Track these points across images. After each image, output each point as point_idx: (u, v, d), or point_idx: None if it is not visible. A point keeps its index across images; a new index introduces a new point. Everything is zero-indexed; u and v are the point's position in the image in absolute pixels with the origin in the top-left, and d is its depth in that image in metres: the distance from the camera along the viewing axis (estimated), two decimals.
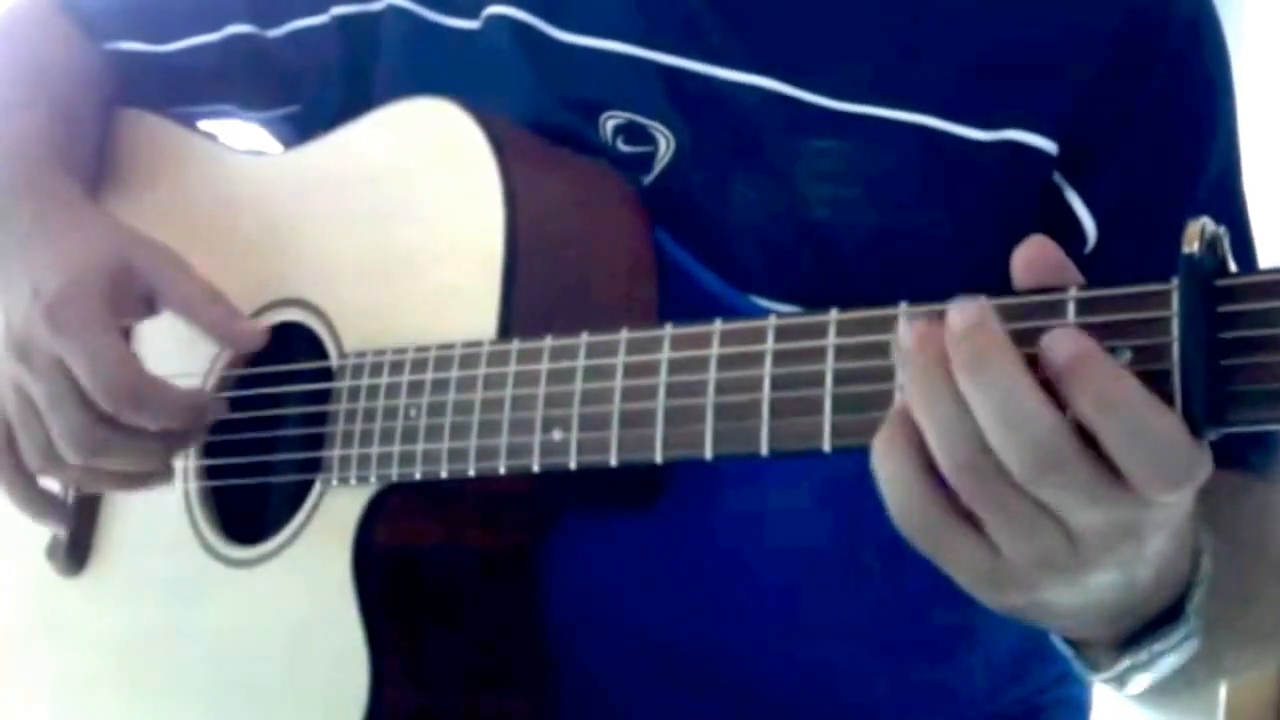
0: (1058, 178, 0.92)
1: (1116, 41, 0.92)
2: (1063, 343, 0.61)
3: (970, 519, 0.64)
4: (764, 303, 0.91)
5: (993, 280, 0.90)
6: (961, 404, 0.62)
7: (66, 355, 0.90)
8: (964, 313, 0.63)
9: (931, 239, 0.91)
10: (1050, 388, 0.61)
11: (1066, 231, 0.92)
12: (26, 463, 0.96)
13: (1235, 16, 0.96)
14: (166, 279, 0.96)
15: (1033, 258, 0.65)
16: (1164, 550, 0.67)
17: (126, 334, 0.99)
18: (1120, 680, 0.73)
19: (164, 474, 0.96)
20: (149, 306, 0.96)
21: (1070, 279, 0.64)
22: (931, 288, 0.90)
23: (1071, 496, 0.62)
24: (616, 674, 0.92)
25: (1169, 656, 0.71)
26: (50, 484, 1.01)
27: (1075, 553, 0.63)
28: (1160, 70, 0.93)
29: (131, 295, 0.95)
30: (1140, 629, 0.71)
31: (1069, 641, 0.74)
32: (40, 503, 1.01)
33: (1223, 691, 1.50)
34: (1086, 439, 0.61)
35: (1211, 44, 0.96)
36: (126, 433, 0.91)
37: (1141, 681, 0.73)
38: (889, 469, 0.64)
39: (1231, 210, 0.95)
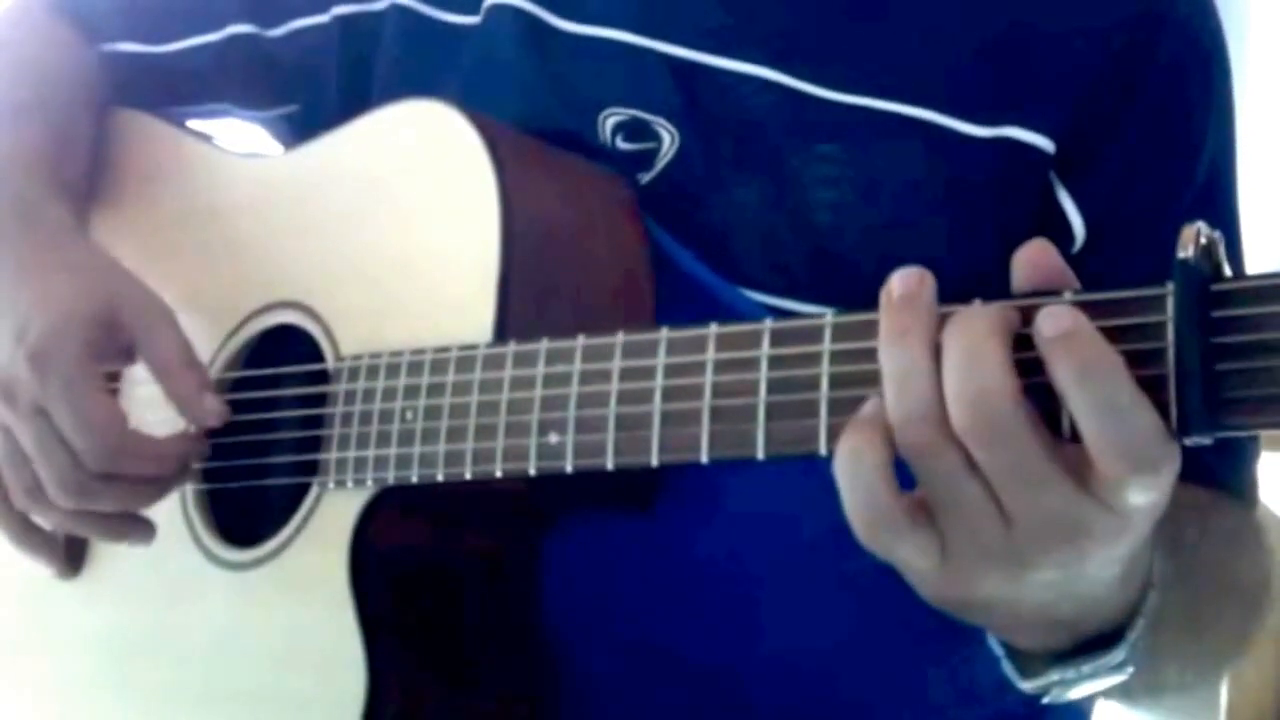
0: (1052, 176, 0.92)
1: (1117, 41, 0.92)
2: (1058, 316, 0.61)
3: (921, 516, 0.65)
4: (762, 298, 0.91)
5: (989, 277, 0.90)
6: (928, 354, 0.63)
7: (49, 407, 0.90)
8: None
9: (929, 234, 0.92)
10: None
11: (1055, 231, 0.92)
12: (14, 502, 0.96)
13: (1238, 17, 0.96)
14: (149, 335, 0.94)
15: (1033, 261, 0.65)
16: (1108, 576, 0.67)
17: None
18: (1044, 691, 0.73)
19: (144, 530, 0.96)
20: (129, 356, 0.95)
21: (1068, 283, 0.64)
22: None
23: (1011, 469, 0.62)
24: (616, 675, 0.92)
25: (1095, 680, 0.71)
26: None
27: (1011, 540, 0.64)
28: (1159, 71, 0.93)
29: (114, 343, 0.94)
30: (1073, 647, 0.71)
31: (1004, 644, 0.74)
32: (34, 539, 1.00)
33: (1223, 692, 1.50)
34: (1049, 426, 0.62)
35: (1211, 46, 0.96)
36: (114, 479, 0.91)
37: (1064, 697, 0.73)
38: (855, 474, 0.65)
39: (1219, 214, 0.95)
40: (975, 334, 0.62)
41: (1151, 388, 0.60)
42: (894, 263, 0.90)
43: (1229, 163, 0.97)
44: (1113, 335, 0.60)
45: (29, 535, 1.00)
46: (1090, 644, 0.71)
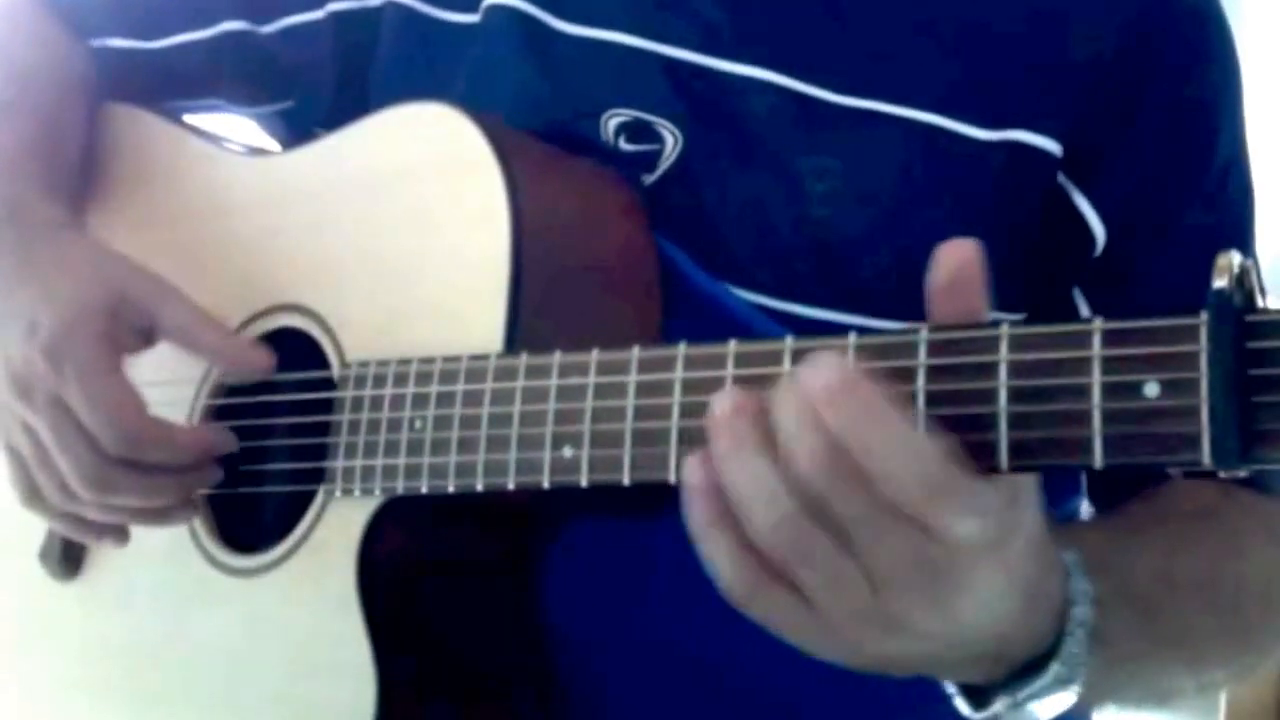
0: (1063, 180, 0.92)
1: (1122, 41, 0.92)
2: (819, 369, 0.63)
3: (787, 581, 0.66)
4: (764, 301, 0.91)
5: (994, 281, 0.90)
6: (768, 455, 0.64)
7: (68, 399, 0.90)
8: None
9: (932, 238, 0.91)
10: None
11: (1074, 235, 0.93)
12: (49, 501, 0.95)
13: (1235, 16, 0.96)
14: (163, 308, 0.94)
15: (953, 259, 0.67)
16: (1004, 610, 0.67)
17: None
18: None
19: (183, 510, 0.95)
20: (146, 338, 0.95)
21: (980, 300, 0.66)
22: None
23: (859, 518, 0.63)
24: (624, 682, 0.92)
25: (1041, 699, 0.72)
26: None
27: (881, 599, 0.65)
28: (1167, 69, 0.93)
29: (129, 328, 0.94)
30: (1009, 674, 0.72)
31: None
32: (89, 529, 0.99)
33: (1222, 692, 1.51)
34: None
35: (1218, 41, 0.96)
36: (137, 469, 0.90)
37: None
38: (710, 545, 0.67)
39: (1236, 205, 0.96)
40: (803, 390, 0.64)
41: (1184, 418, 0.59)
42: (897, 266, 0.91)
43: (1242, 151, 0.97)
44: (1145, 364, 0.60)
45: (82, 527, 0.98)
46: (1025, 668, 0.72)
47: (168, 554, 0.98)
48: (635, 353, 0.76)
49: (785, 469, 0.64)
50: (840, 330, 0.70)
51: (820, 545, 0.64)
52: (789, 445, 0.64)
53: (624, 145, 0.95)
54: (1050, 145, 0.91)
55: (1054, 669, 0.71)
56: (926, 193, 0.92)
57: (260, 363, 0.94)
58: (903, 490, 0.62)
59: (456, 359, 0.84)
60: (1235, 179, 0.96)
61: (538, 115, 0.96)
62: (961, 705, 0.75)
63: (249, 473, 0.96)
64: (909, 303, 0.90)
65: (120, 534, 0.99)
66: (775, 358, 0.70)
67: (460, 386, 0.83)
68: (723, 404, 0.66)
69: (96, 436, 0.89)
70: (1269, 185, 1.01)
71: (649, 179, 0.94)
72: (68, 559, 1.04)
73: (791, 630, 0.68)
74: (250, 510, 0.97)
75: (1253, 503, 0.92)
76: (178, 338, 0.94)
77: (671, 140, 0.94)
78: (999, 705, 0.72)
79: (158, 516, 0.94)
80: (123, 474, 0.90)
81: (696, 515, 0.67)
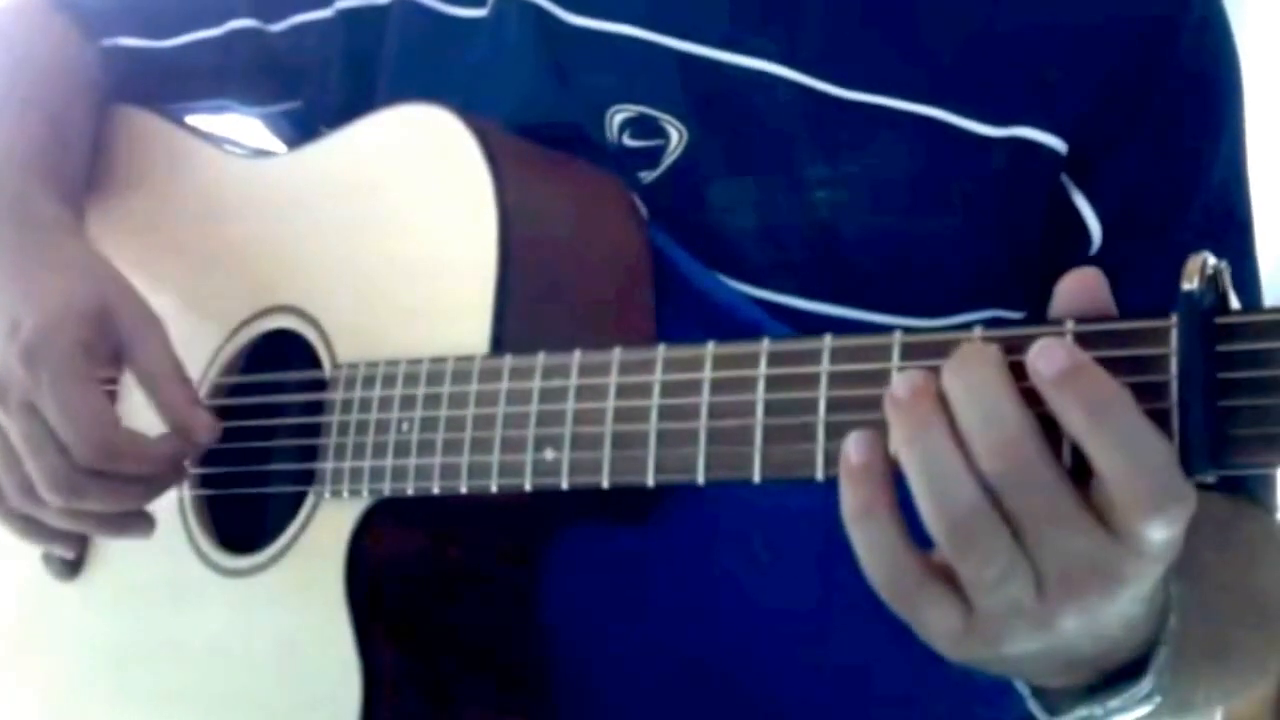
0: (1065, 178, 0.91)
1: (1130, 42, 0.92)
2: (1053, 355, 0.59)
3: (944, 577, 0.63)
4: (768, 295, 0.91)
5: (997, 277, 0.90)
6: (953, 439, 0.61)
7: (40, 403, 0.89)
8: (965, 342, 0.63)
9: (937, 234, 0.91)
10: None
11: (1071, 233, 0.92)
12: (10, 502, 0.95)
13: (1235, 17, 0.95)
14: (138, 342, 0.92)
15: (1083, 287, 0.63)
16: (1132, 612, 0.65)
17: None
18: None
19: (143, 525, 0.94)
20: (118, 361, 0.93)
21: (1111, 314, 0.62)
22: (936, 285, 0.90)
23: (1043, 512, 0.60)
24: (614, 683, 0.91)
25: (1124, 713, 0.69)
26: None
27: (1043, 599, 0.62)
28: (1172, 71, 0.92)
29: (106, 344, 0.92)
30: (1099, 681, 0.69)
31: (1028, 683, 0.73)
32: (42, 533, 0.98)
33: None
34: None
35: (1222, 45, 0.95)
36: (106, 477, 0.90)
37: None
38: (868, 533, 0.63)
39: (1235, 211, 0.95)
40: (982, 378, 0.60)
41: (1154, 422, 0.58)
42: (902, 262, 0.91)
43: (1242, 157, 0.96)
44: (1115, 367, 0.59)
45: (36, 531, 0.98)
46: (1115, 676, 0.69)
47: (165, 554, 0.98)
48: (616, 355, 0.75)
49: (975, 457, 0.60)
50: (841, 326, 0.68)
51: (1002, 541, 0.61)
52: (982, 430, 0.60)
53: (628, 141, 0.95)
54: (1056, 143, 0.90)
55: (1149, 678, 0.68)
56: (932, 188, 0.91)
57: (208, 437, 0.92)
58: (1127, 492, 0.58)
59: (443, 360, 0.83)
60: (1234, 191, 0.95)
61: (543, 109, 0.96)
62: (1036, 709, 0.72)
63: (245, 474, 0.95)
64: (909, 296, 0.90)
65: (74, 542, 0.99)
66: (752, 360, 0.70)
67: (446, 388, 0.83)
68: (903, 386, 0.62)
69: (68, 446, 0.88)
70: (1269, 190, 1.00)
71: (651, 175, 0.94)
72: (69, 560, 1.04)
73: (938, 630, 0.64)
74: (250, 510, 0.97)
75: (1254, 514, 0.91)
76: (141, 378, 0.93)
77: (676, 136, 0.94)
78: (1081, 711, 0.69)
79: (117, 528, 0.94)
80: (91, 481, 0.89)
81: (858, 499, 0.63)
